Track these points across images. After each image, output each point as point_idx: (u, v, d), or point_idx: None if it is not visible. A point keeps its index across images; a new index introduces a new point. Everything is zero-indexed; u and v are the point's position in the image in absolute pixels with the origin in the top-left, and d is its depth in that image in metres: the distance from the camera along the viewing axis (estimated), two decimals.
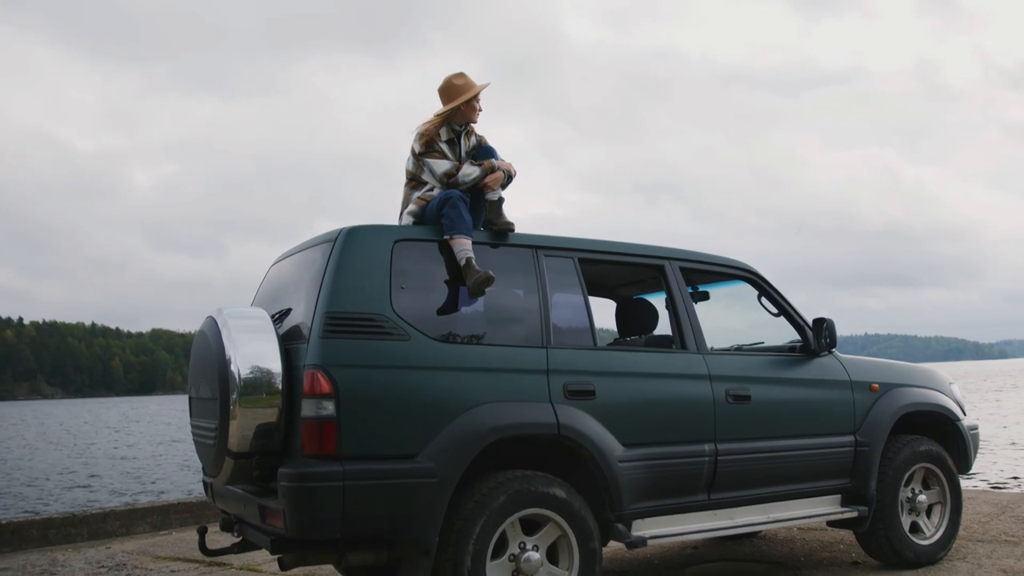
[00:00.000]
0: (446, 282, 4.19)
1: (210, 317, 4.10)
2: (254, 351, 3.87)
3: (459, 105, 4.61)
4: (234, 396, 3.79)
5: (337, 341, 3.79)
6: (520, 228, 4.50)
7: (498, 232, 4.42)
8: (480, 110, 4.71)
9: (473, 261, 4.12)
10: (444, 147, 4.61)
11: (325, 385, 3.68)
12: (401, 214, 4.60)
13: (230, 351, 3.85)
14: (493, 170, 4.53)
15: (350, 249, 3.98)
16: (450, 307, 4.17)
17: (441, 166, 4.53)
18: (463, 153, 4.66)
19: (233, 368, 3.81)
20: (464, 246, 4.16)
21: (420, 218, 4.47)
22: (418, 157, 4.59)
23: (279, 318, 4.25)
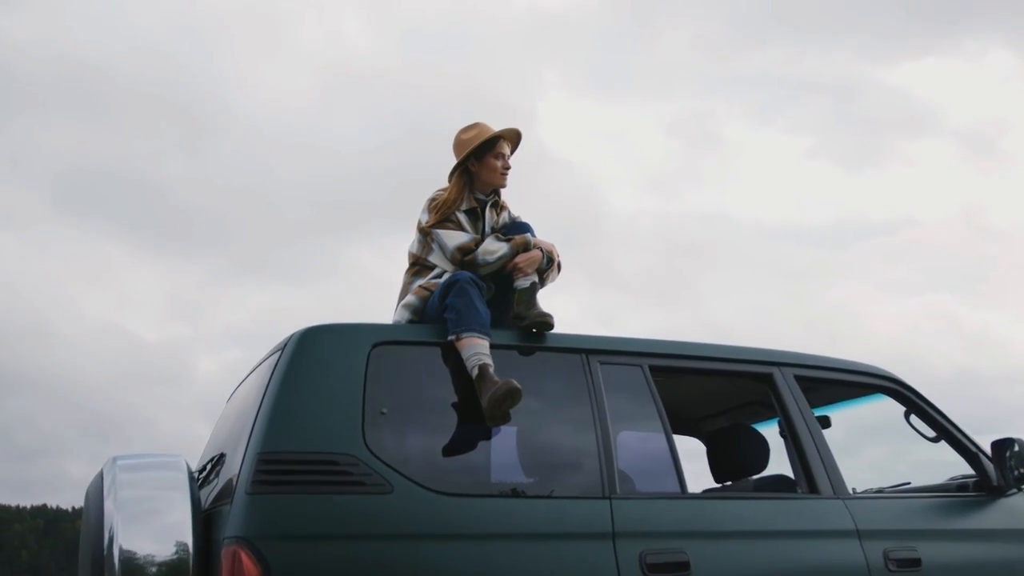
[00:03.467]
0: (453, 404, 2.81)
1: (100, 470, 2.76)
2: (151, 522, 2.50)
3: (469, 158, 3.38)
4: None
5: (274, 499, 2.40)
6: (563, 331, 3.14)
7: (531, 329, 3.06)
8: (507, 169, 3.44)
9: (490, 369, 2.76)
10: (462, 218, 3.34)
11: (251, 569, 2.27)
12: (396, 309, 3.29)
13: (112, 521, 2.48)
14: (527, 248, 3.24)
15: (304, 358, 2.66)
16: (457, 440, 2.77)
17: (455, 238, 3.24)
18: (488, 229, 3.39)
19: (114, 549, 2.43)
20: (477, 348, 2.80)
21: (419, 313, 3.16)
22: (426, 232, 3.32)
23: (213, 468, 2.90)
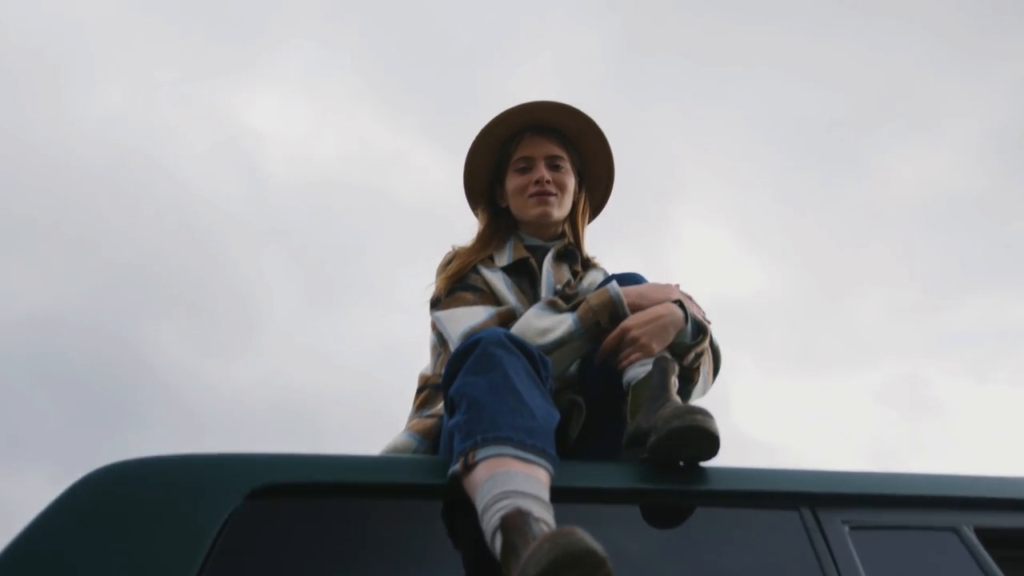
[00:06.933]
0: None
1: None
2: None
3: (491, 184, 1.93)
4: None
5: None
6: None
7: (672, 455, 1.30)
8: (544, 188, 1.82)
9: (537, 522, 1.03)
10: (495, 279, 1.75)
11: None
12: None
13: None
14: (620, 313, 1.56)
15: (73, 528, 1.08)
16: None
17: (462, 319, 1.64)
18: (548, 293, 1.75)
19: None
20: (508, 482, 1.09)
21: None
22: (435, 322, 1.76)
23: None
